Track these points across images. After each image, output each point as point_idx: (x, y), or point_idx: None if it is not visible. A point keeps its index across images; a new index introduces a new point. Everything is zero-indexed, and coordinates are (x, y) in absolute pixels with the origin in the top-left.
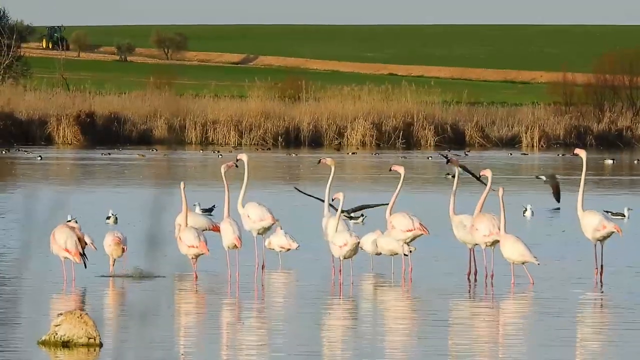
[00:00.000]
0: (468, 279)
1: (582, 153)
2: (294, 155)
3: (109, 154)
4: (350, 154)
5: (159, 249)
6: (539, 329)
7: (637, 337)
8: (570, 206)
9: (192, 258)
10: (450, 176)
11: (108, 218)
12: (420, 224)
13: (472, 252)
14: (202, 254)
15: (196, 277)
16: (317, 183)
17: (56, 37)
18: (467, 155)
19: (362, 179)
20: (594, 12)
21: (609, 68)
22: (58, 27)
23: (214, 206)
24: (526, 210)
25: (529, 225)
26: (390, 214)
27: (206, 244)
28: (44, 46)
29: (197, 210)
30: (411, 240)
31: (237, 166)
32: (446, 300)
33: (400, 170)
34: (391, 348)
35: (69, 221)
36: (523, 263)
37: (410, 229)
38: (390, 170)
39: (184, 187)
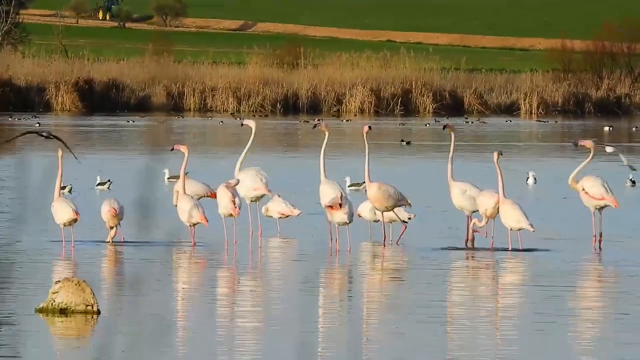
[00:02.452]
0: (466, 245)
1: (588, 144)
2: (308, 121)
3: (133, 121)
4: (346, 121)
5: (153, 216)
6: (534, 296)
7: (630, 305)
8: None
9: (190, 226)
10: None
11: (102, 184)
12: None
13: (469, 219)
14: (200, 223)
15: (194, 244)
16: (315, 149)
17: (115, 8)
18: (467, 122)
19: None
20: None
21: (608, 35)
22: None
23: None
24: (529, 177)
25: (532, 192)
26: (370, 181)
27: (204, 215)
28: (100, 18)
29: (166, 177)
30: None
31: (242, 125)
32: (444, 267)
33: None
34: (387, 316)
35: (64, 188)
36: (519, 229)
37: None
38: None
39: (187, 152)
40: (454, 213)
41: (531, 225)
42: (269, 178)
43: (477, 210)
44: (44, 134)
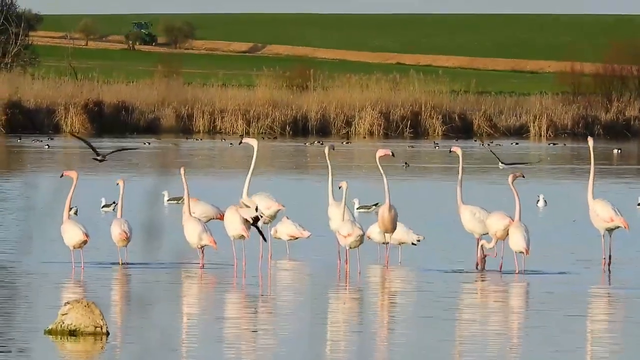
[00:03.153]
0: (476, 268)
1: (589, 141)
2: (308, 144)
3: (149, 143)
4: (345, 143)
5: (161, 238)
6: (543, 318)
7: (638, 328)
8: (584, 195)
9: (198, 248)
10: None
11: (108, 206)
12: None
13: (479, 241)
14: (208, 245)
15: (202, 266)
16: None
17: (144, 33)
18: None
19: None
20: (602, 1)
21: (617, 58)
22: (145, 22)
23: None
24: (539, 200)
25: (542, 214)
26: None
27: (213, 237)
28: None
29: (165, 198)
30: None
31: (240, 143)
32: (454, 290)
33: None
34: (397, 339)
35: (70, 209)
36: (520, 252)
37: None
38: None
39: (185, 173)
40: (462, 235)
41: (527, 249)
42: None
43: (487, 233)
44: (99, 158)
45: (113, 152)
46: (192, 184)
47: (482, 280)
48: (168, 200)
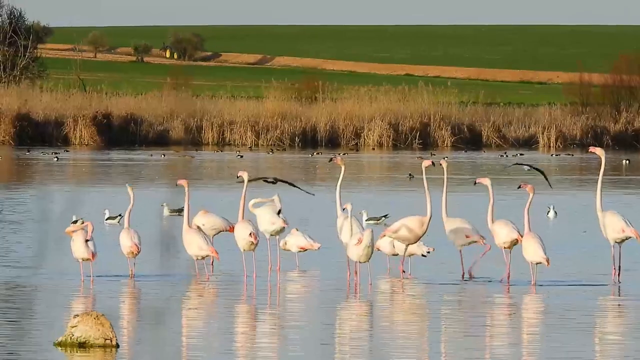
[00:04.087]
0: (472, 278)
1: (598, 151)
2: (309, 155)
3: (164, 155)
4: (343, 154)
5: (172, 250)
6: (553, 329)
7: None
8: (593, 206)
9: (200, 259)
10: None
11: (112, 218)
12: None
13: (461, 253)
14: (210, 255)
15: (209, 278)
16: (332, 183)
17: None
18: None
19: (374, 179)
20: (610, 12)
21: (626, 68)
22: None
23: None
24: (549, 210)
25: (552, 225)
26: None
27: (213, 247)
28: (167, 56)
29: (165, 211)
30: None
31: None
32: (465, 302)
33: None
34: (408, 350)
35: (75, 222)
36: (537, 263)
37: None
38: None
39: (188, 185)
40: (470, 247)
41: (547, 258)
42: (282, 207)
43: (469, 244)
44: (270, 179)
45: (286, 182)
46: (202, 195)
47: (492, 292)
48: (170, 213)
